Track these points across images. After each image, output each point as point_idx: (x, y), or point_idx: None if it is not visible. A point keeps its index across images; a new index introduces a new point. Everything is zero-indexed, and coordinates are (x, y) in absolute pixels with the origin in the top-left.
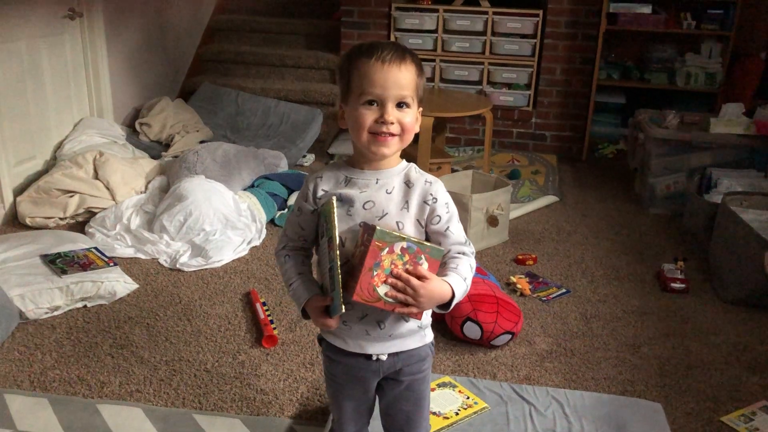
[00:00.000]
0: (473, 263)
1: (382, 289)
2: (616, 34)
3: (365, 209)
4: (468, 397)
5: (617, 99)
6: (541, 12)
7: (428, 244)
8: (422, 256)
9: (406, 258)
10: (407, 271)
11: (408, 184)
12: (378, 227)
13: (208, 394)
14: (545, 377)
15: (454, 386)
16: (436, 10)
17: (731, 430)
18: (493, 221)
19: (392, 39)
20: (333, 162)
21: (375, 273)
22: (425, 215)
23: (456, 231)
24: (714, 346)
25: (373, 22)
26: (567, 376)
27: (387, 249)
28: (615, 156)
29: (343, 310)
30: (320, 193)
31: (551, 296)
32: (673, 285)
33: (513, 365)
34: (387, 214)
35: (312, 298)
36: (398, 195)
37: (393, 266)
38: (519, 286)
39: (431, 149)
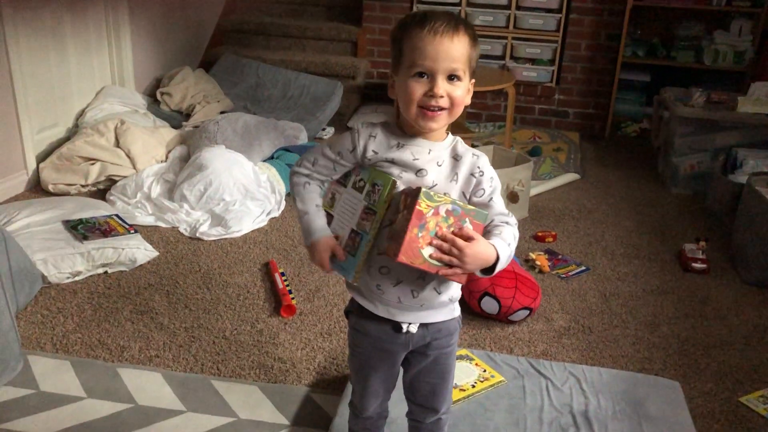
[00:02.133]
0: (517, 233)
1: (426, 251)
2: (643, 10)
3: (417, 177)
4: (485, 371)
5: (642, 77)
6: None
7: (472, 207)
8: (467, 219)
9: (451, 220)
10: (453, 233)
11: (456, 157)
12: (423, 189)
13: (226, 361)
14: (562, 353)
15: (471, 359)
16: None
17: (749, 411)
18: (513, 197)
19: (414, 10)
20: (385, 122)
21: (420, 234)
22: (471, 187)
23: (498, 202)
24: (734, 326)
25: None
26: (584, 353)
27: (432, 211)
28: (638, 135)
29: (355, 281)
30: (370, 153)
31: (570, 273)
32: (694, 265)
33: (530, 341)
34: (436, 185)
35: (324, 239)
36: (447, 167)
37: (438, 228)
38: (538, 262)
39: (452, 124)
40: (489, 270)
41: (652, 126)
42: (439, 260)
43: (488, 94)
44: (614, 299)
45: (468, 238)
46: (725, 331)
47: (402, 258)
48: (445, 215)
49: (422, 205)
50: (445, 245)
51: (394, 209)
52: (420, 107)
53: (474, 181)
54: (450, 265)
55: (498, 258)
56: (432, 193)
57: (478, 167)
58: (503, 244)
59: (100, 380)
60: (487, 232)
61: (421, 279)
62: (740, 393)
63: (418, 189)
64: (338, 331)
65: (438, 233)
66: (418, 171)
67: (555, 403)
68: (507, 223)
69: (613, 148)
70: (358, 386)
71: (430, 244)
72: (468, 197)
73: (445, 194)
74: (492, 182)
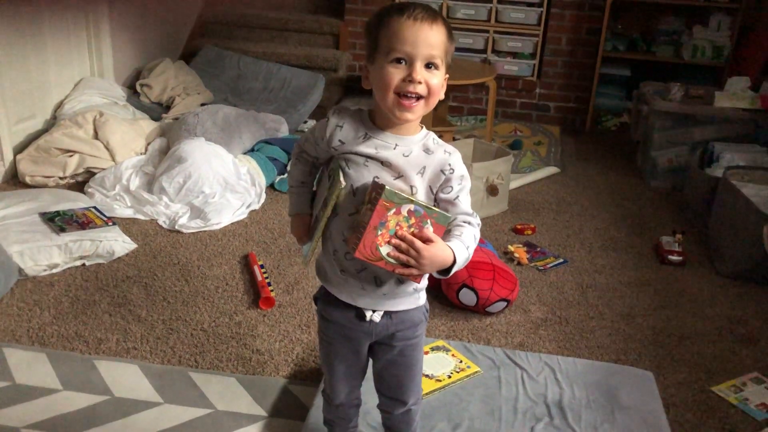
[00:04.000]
0: (477, 234)
1: (384, 249)
2: (623, 5)
3: (383, 167)
4: (461, 361)
5: (622, 71)
6: None
7: (436, 209)
8: (428, 221)
9: (412, 221)
10: (412, 234)
11: (427, 151)
12: (387, 187)
13: (204, 353)
14: (539, 344)
15: (448, 350)
16: None
17: (721, 400)
18: (493, 190)
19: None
20: (357, 109)
21: (379, 232)
22: (439, 183)
23: (465, 201)
24: (708, 318)
25: None
26: (561, 344)
27: (394, 210)
28: (618, 129)
29: (308, 262)
30: (336, 143)
31: (548, 266)
32: (671, 257)
33: (507, 332)
34: (402, 176)
35: (298, 216)
36: (415, 159)
37: (398, 227)
38: (516, 255)
39: (433, 117)
40: (445, 272)
41: (632, 120)
42: (396, 259)
43: (470, 88)
44: (591, 291)
45: (426, 240)
46: (699, 322)
47: (359, 254)
48: (406, 215)
49: (384, 203)
50: (403, 245)
51: (360, 198)
52: (396, 94)
53: (443, 177)
54: (406, 265)
55: (455, 261)
56: (395, 191)
57: (449, 164)
58: (461, 247)
59: (76, 372)
60: (447, 232)
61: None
62: (712, 383)
63: (383, 186)
64: (316, 324)
65: (398, 232)
66: (382, 162)
67: (530, 393)
68: (469, 223)
69: (594, 142)
70: (327, 372)
71: (389, 242)
72: (434, 192)
73: (412, 189)
74: (462, 181)
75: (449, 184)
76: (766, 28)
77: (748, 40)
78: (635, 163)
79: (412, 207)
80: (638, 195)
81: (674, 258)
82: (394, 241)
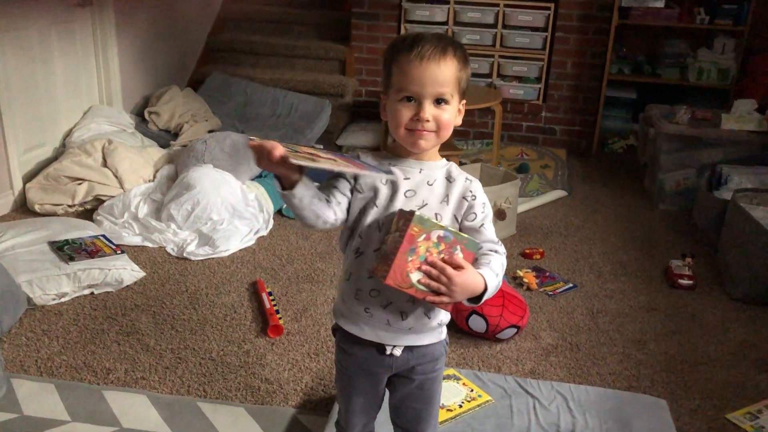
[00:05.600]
0: (504, 262)
1: (415, 276)
2: (628, 29)
3: (406, 197)
4: (472, 390)
5: (628, 94)
6: (552, 5)
7: (465, 235)
8: (458, 247)
9: (442, 246)
10: (443, 260)
11: (449, 179)
12: (417, 212)
13: (212, 383)
14: (550, 371)
15: (459, 379)
16: (448, 2)
17: (736, 428)
18: (500, 215)
19: (402, 31)
20: (377, 151)
21: (410, 258)
22: (462, 211)
23: (490, 229)
24: (721, 343)
25: (383, 14)
26: (572, 371)
27: (424, 235)
28: (625, 151)
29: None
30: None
31: (558, 291)
32: (681, 281)
33: (518, 359)
34: (426, 204)
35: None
36: (440, 188)
37: (428, 253)
38: (526, 280)
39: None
40: (476, 299)
41: (639, 143)
42: (427, 286)
43: (476, 112)
44: (602, 316)
45: (457, 267)
46: (712, 347)
47: (390, 281)
48: (436, 241)
49: (414, 229)
50: (434, 272)
51: (385, 232)
52: (407, 130)
53: (466, 204)
54: (437, 292)
55: (486, 288)
56: (425, 217)
57: (470, 191)
58: (491, 275)
59: (84, 403)
60: (475, 261)
61: (410, 302)
62: (727, 410)
63: (412, 212)
64: (325, 351)
65: (428, 259)
66: (407, 191)
67: (542, 423)
68: (496, 251)
69: (600, 165)
70: (343, 405)
71: (419, 269)
72: (459, 220)
73: (437, 216)
74: (484, 208)
75: (472, 210)
76: None
77: (753, 63)
78: (643, 186)
79: (441, 233)
80: (646, 218)
81: (684, 282)
82: (425, 267)
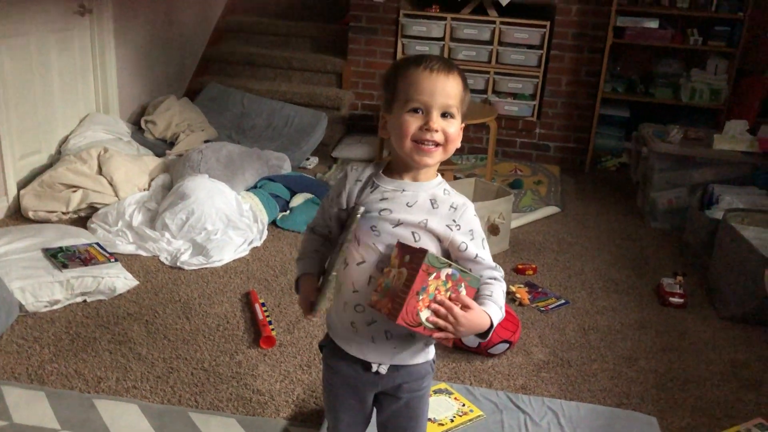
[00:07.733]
0: (504, 287)
1: (424, 314)
2: (623, 48)
3: (381, 216)
4: (464, 405)
5: (622, 112)
6: (548, 23)
7: (468, 272)
8: (462, 284)
9: (449, 284)
10: (451, 299)
11: (434, 203)
12: (429, 252)
13: (204, 393)
14: (541, 387)
15: (450, 393)
16: (444, 18)
17: None
18: (494, 230)
19: (399, 45)
20: (377, 163)
21: (421, 297)
22: (448, 241)
23: (486, 256)
24: (711, 362)
25: (380, 28)
26: (563, 387)
27: (434, 274)
28: (618, 169)
29: (315, 314)
30: (354, 199)
31: (550, 307)
32: (672, 299)
33: (509, 374)
34: (402, 223)
35: (305, 276)
36: (419, 208)
37: (437, 292)
38: (518, 295)
39: None
40: (482, 335)
41: (631, 161)
42: (434, 324)
43: (470, 127)
44: (593, 333)
45: (465, 306)
46: (702, 366)
47: (401, 320)
48: (444, 279)
49: (426, 267)
50: (442, 310)
51: (385, 260)
52: (414, 141)
53: (450, 233)
54: (443, 329)
55: (491, 325)
56: (436, 256)
57: (454, 220)
58: (496, 309)
59: (75, 411)
60: (477, 291)
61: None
62: (716, 428)
63: (423, 251)
64: (318, 363)
65: (436, 297)
66: (381, 210)
67: None
68: (495, 278)
69: (593, 182)
70: (331, 421)
71: (428, 306)
72: (445, 245)
73: (416, 241)
74: (473, 235)
75: (460, 240)
76: (761, 72)
77: (744, 84)
78: (635, 204)
79: (450, 271)
80: (639, 235)
81: (675, 300)
82: (433, 306)
